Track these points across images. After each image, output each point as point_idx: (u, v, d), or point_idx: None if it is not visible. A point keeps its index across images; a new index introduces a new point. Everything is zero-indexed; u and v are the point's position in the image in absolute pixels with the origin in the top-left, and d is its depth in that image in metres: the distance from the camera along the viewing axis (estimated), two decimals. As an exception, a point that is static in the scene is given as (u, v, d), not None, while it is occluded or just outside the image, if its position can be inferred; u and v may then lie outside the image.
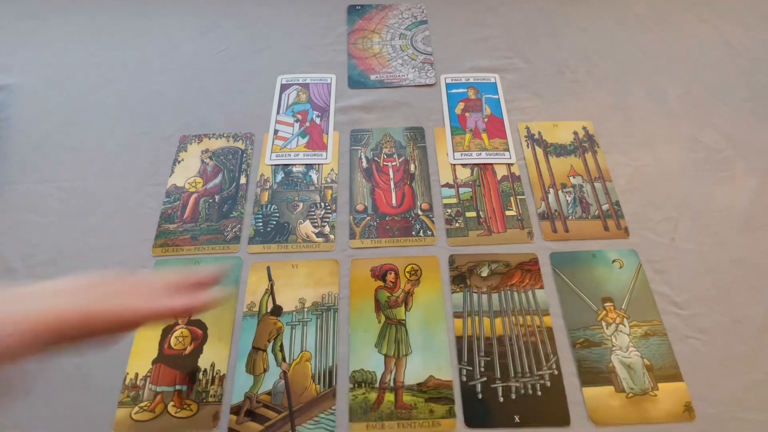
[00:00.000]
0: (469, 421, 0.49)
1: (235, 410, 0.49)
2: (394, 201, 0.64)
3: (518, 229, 0.61)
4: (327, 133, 0.70)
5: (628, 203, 0.63)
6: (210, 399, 0.50)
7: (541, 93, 0.74)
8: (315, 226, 0.62)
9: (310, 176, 0.66)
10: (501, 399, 0.50)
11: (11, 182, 0.65)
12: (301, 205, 0.64)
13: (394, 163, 0.67)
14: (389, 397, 0.50)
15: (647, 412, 0.49)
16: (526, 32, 0.82)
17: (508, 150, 0.68)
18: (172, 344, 0.53)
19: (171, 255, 0.59)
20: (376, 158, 0.68)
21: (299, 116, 0.72)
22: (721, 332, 0.54)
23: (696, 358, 0.53)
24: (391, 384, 0.51)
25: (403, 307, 0.56)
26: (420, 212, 0.63)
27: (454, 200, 0.64)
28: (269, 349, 0.53)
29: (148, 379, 0.51)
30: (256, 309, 0.56)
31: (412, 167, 0.67)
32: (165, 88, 0.75)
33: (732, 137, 0.69)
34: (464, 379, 0.51)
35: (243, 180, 0.66)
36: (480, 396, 0.50)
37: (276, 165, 0.67)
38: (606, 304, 0.56)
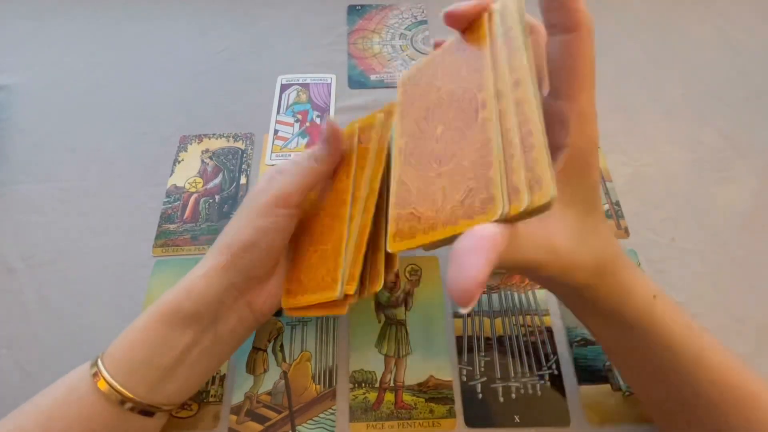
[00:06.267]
0: (469, 421, 0.49)
1: (235, 410, 0.50)
2: (394, 201, 0.64)
3: (518, 229, 0.61)
4: (327, 133, 0.70)
5: (628, 203, 0.63)
6: (210, 399, 0.50)
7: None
8: (315, 226, 0.62)
9: (310, 176, 0.66)
10: (501, 399, 0.50)
11: (11, 182, 0.65)
12: (301, 205, 0.64)
13: (394, 163, 0.67)
14: (389, 397, 0.50)
15: (646, 411, 0.49)
16: (526, 32, 0.82)
17: (508, 150, 0.68)
18: (172, 344, 0.53)
19: (171, 255, 0.59)
20: (376, 158, 0.68)
21: (299, 116, 0.72)
22: (721, 332, 0.54)
23: (696, 358, 0.52)
24: (391, 384, 0.51)
25: (403, 307, 0.56)
26: (420, 212, 0.63)
27: (454, 200, 0.64)
28: (269, 349, 0.53)
29: (148, 379, 0.51)
30: (256, 309, 0.56)
31: (412, 167, 0.67)
32: (165, 88, 0.75)
33: (732, 137, 0.69)
34: (464, 379, 0.51)
35: (243, 180, 0.66)
36: (480, 396, 0.50)
37: (276, 165, 0.67)
38: (606, 304, 0.56)
